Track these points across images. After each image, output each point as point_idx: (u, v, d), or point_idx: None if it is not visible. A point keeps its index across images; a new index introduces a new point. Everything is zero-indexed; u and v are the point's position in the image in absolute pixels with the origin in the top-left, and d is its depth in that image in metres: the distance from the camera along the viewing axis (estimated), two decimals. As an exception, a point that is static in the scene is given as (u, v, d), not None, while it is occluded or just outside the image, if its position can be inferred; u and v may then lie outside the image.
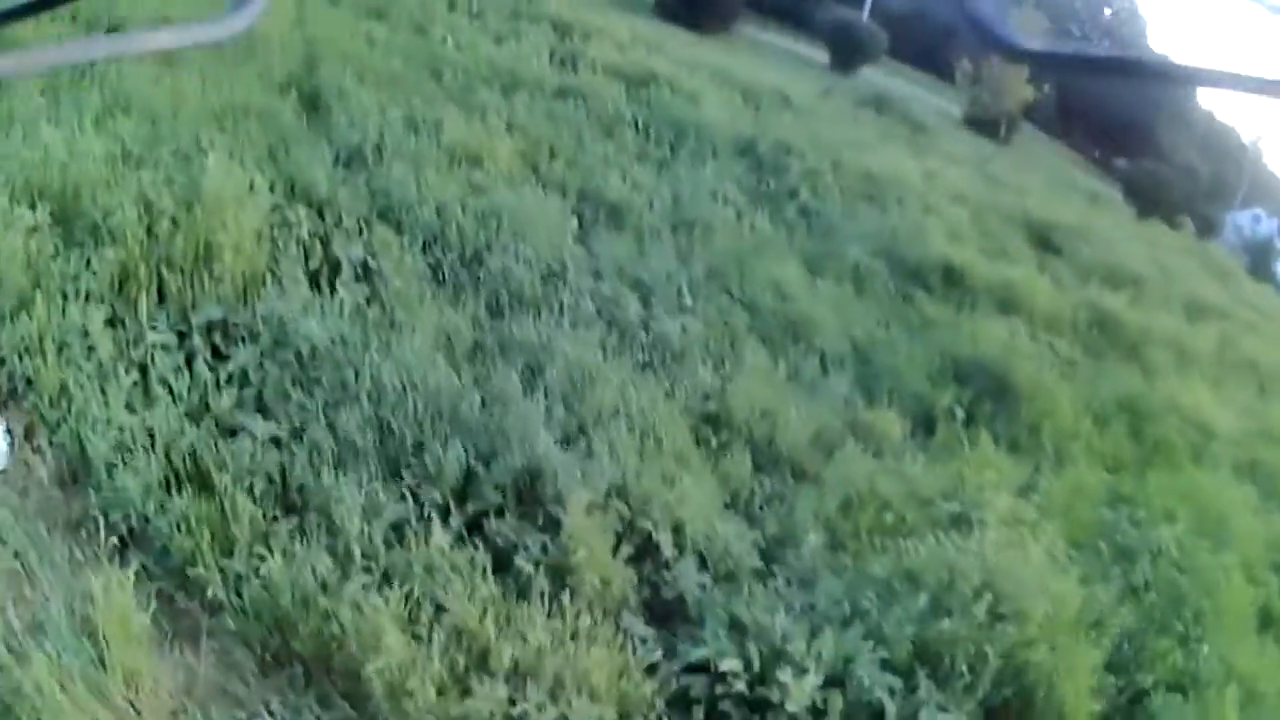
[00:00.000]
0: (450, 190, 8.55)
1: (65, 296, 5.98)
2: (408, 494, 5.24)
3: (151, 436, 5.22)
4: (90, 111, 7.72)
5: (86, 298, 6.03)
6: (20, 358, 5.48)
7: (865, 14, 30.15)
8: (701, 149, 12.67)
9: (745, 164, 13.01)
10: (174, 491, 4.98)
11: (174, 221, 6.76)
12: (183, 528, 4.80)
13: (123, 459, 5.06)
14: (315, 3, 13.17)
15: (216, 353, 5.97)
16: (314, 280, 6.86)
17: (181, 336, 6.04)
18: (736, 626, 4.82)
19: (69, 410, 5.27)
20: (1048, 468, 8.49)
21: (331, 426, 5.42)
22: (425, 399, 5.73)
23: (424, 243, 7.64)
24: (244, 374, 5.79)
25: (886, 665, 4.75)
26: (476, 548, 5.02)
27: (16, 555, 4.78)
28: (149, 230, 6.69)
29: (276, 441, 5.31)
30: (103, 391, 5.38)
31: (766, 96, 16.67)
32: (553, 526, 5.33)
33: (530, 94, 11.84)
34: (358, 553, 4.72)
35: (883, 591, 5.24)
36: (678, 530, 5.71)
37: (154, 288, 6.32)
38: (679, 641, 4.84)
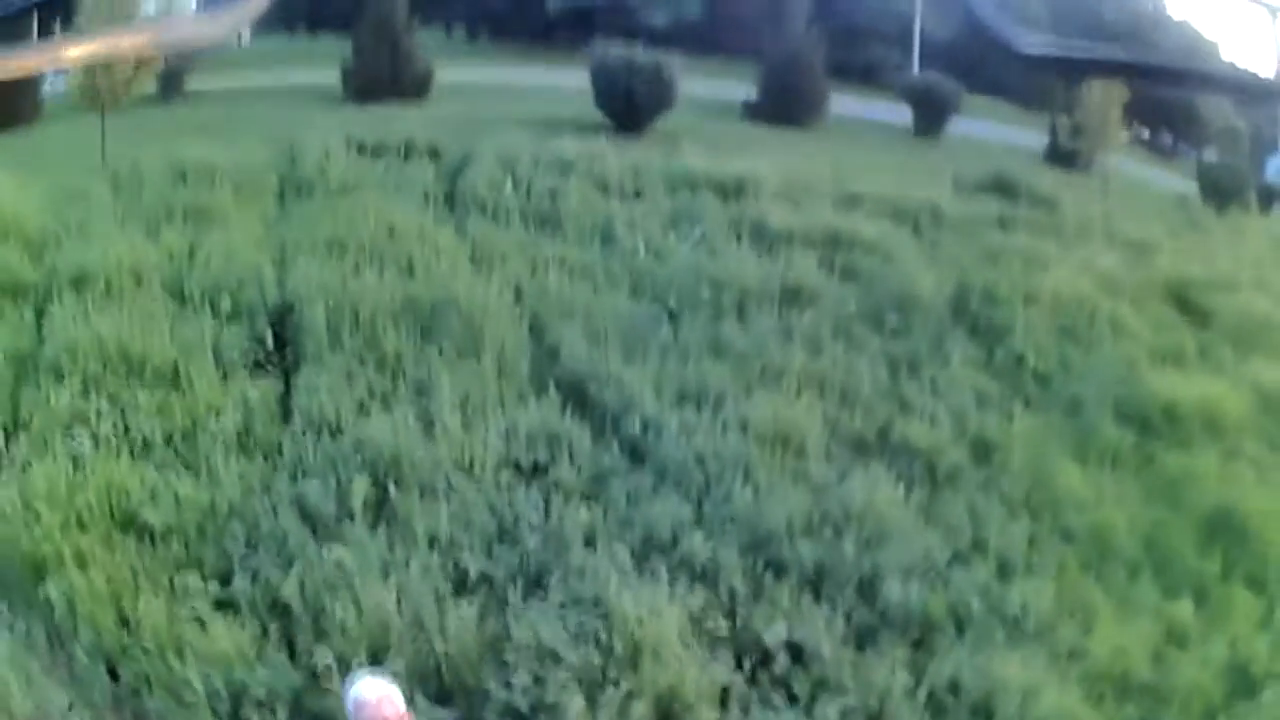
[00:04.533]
0: (797, 501, 8.07)
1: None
2: None
3: None
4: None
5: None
6: None
7: (915, 57, 29.96)
8: (926, 325, 12.29)
9: (964, 331, 12.69)
10: None
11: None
12: None
13: None
14: (485, 227, 12.67)
15: None
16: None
17: None
18: None
19: None
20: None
21: None
22: None
23: (839, 607, 7.11)
24: None
25: None
26: None
27: None
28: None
29: None
30: None
31: (923, 214, 16.30)
32: None
33: (759, 306, 11.49)
34: None
35: None
36: None
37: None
38: None
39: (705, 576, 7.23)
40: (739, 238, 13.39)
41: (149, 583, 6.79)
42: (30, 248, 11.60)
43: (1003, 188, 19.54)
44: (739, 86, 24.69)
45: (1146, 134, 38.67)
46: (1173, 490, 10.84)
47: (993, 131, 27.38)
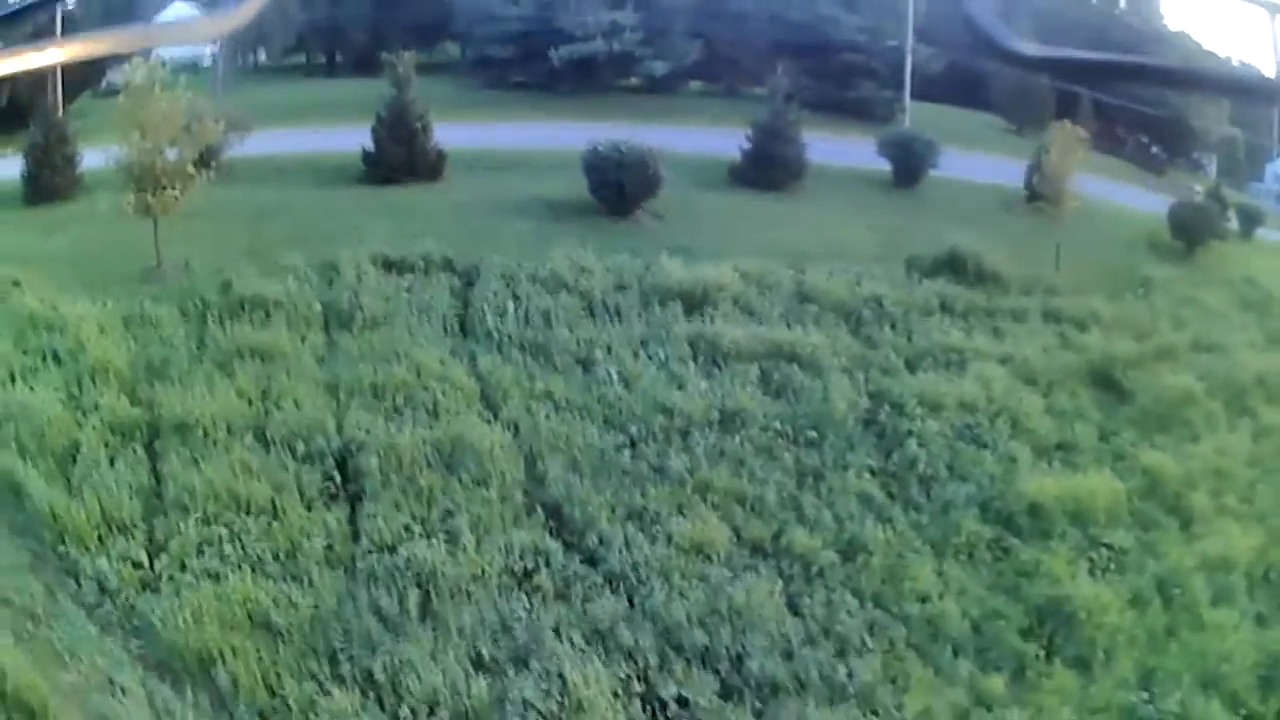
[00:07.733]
0: (697, 599, 14.01)
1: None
2: None
3: None
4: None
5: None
6: None
7: (907, 92, 35.43)
8: (839, 440, 18.02)
9: (872, 443, 18.48)
10: None
11: None
12: None
13: None
14: (491, 363, 18.49)
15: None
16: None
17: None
18: None
19: None
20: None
21: None
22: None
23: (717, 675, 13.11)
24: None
25: None
26: None
27: None
28: None
29: None
30: None
31: (865, 310, 21.87)
32: None
33: (701, 431, 17.25)
34: None
35: None
36: None
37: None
38: None
39: (629, 655, 13.24)
40: (696, 356, 19.23)
41: (284, 666, 12.84)
42: (124, 386, 17.42)
43: (954, 266, 24.99)
44: (731, 137, 30.23)
45: (1145, 140, 43.78)
46: (1017, 580, 16.36)
47: (977, 167, 32.48)
